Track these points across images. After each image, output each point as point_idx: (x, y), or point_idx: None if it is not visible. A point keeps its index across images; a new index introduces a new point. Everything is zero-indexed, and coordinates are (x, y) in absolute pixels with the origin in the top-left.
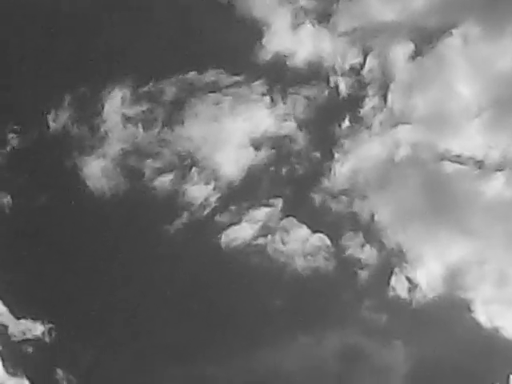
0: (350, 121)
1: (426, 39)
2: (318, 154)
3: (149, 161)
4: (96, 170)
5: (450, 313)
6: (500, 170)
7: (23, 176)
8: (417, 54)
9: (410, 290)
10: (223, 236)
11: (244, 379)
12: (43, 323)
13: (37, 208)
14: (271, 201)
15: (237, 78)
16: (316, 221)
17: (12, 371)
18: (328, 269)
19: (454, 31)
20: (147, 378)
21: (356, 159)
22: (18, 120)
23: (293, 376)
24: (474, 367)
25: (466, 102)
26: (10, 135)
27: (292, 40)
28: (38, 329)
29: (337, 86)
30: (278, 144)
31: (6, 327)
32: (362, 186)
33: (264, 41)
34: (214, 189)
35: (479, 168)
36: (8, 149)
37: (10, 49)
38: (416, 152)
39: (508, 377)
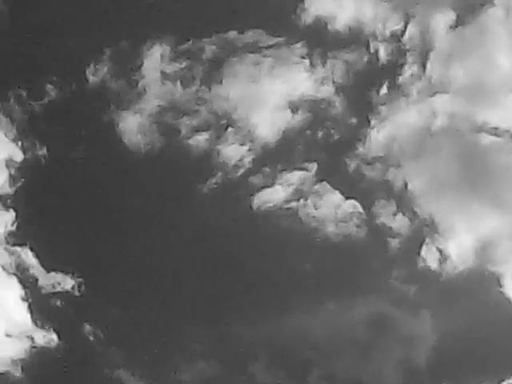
0: (388, 88)
1: (467, 8)
2: (354, 120)
3: (185, 118)
4: (132, 125)
5: (479, 286)
6: None
7: (60, 128)
8: (458, 23)
9: (440, 262)
10: (255, 198)
11: (271, 342)
12: (73, 277)
13: (72, 160)
14: (305, 165)
15: (277, 40)
16: (349, 187)
17: (40, 324)
18: (359, 236)
19: (496, 1)
20: (173, 335)
21: (392, 127)
22: (57, 72)
23: (320, 341)
24: (500, 341)
25: (506, 75)
26: (49, 86)
27: (333, 4)
28: (67, 282)
29: (376, 52)
30: (315, 108)
31: (36, 279)
32: (397, 154)
33: (306, 3)
34: (249, 150)
35: None
36: (46, 100)
37: (53, 2)
38: (453, 122)
39: None
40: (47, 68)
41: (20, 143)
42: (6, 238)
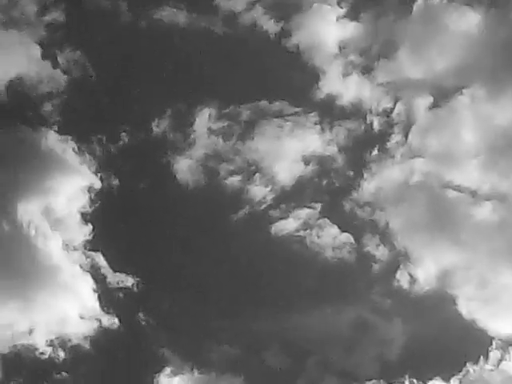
0: (379, 150)
1: (442, 95)
2: (351, 173)
3: (224, 164)
4: (184, 167)
5: (439, 303)
6: (489, 200)
7: (129, 165)
8: (434, 105)
9: (410, 283)
10: (274, 227)
11: (279, 334)
12: (133, 277)
13: (137, 190)
14: (312, 204)
15: (296, 109)
16: (345, 223)
17: (106, 310)
18: (350, 260)
19: (464, 91)
20: (206, 324)
21: (380, 180)
22: (130, 123)
23: (316, 336)
24: (454, 347)
25: (468, 146)
26: (123, 134)
27: (341, 85)
28: (129, 281)
29: (371, 123)
30: (322, 162)
31: (105, 277)
32: (382, 200)
33: (320, 83)
34: (271, 190)
35: (473, 196)
36: (120, 144)
37: (131, 68)
38: (426, 179)
39: (479, 357)
40: (122, 119)
41: (99, 175)
42: (84, 244)
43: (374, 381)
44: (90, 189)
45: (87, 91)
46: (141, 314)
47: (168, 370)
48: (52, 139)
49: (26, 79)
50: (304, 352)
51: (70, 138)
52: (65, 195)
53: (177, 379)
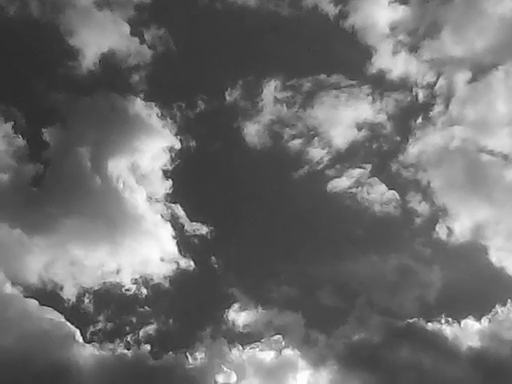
0: (422, 119)
1: (480, 71)
2: (398, 138)
3: (287, 129)
4: (252, 131)
5: (472, 253)
6: None
7: (205, 129)
8: (473, 80)
9: (448, 235)
10: (329, 184)
11: (332, 277)
12: (208, 226)
13: (212, 151)
14: (363, 165)
15: (351, 82)
16: (391, 182)
17: (183, 254)
18: (395, 214)
19: (499, 67)
20: (269, 267)
21: (423, 144)
22: (205, 92)
23: (365, 279)
24: (485, 291)
25: (502, 116)
26: (200, 101)
27: (391, 61)
28: (203, 229)
29: (416, 95)
30: (373, 128)
31: (182, 226)
32: (425, 162)
33: (372, 60)
34: (327, 152)
35: (505, 160)
36: (197, 110)
37: (208, 44)
38: (464, 145)
39: (507, 300)
40: (199, 89)
41: (179, 137)
42: (165, 197)
43: (414, 319)
44: (170, 149)
45: (170, 64)
46: (213, 258)
47: (236, 306)
48: (138, 105)
49: (117, 53)
50: (353, 293)
51: (154, 104)
52: (149, 154)
53: (243, 314)
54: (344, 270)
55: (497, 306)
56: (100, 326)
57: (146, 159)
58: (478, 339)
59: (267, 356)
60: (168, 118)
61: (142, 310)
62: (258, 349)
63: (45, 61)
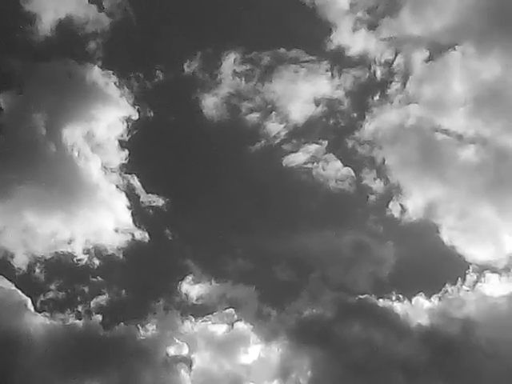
0: (380, 96)
1: (437, 50)
2: (355, 114)
3: (245, 102)
4: (210, 104)
5: (424, 231)
6: (472, 143)
7: (163, 99)
8: (430, 59)
9: (401, 212)
10: (285, 159)
11: (286, 251)
12: (163, 198)
13: (170, 121)
14: (320, 141)
15: (311, 57)
16: (347, 158)
17: (138, 225)
18: (350, 191)
19: (457, 47)
20: (223, 240)
21: (379, 122)
22: (164, 62)
23: (319, 254)
24: (436, 269)
25: (457, 96)
26: (158, 71)
27: (350, 38)
28: (159, 201)
29: (374, 72)
30: (331, 104)
31: (138, 197)
32: (380, 140)
33: (332, 36)
34: (284, 127)
35: (459, 140)
36: (156, 80)
37: (167, 14)
38: (419, 123)
39: (457, 279)
40: (158, 59)
41: (136, 107)
42: (120, 167)
43: (366, 295)
44: (127, 119)
45: (128, 33)
46: (168, 230)
47: (189, 278)
48: (96, 73)
49: (75, 19)
50: (307, 268)
51: (111, 73)
52: (105, 123)
53: (197, 286)
54: (299, 245)
55: (447, 284)
56: (51, 295)
57: (102, 128)
58: (428, 317)
59: (219, 329)
60: (125, 88)
61: (94, 280)
62: (210, 322)
63: (0, 26)
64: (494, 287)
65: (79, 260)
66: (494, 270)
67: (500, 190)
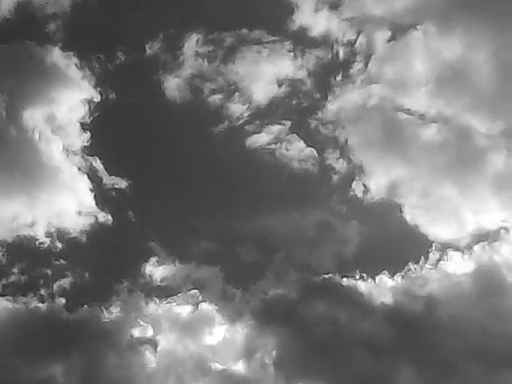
0: (342, 76)
1: (399, 30)
2: (317, 95)
3: (208, 83)
4: (173, 85)
5: (387, 210)
6: (434, 122)
7: (125, 81)
8: (392, 39)
9: (364, 192)
10: (248, 139)
11: (251, 232)
12: (126, 180)
13: (132, 103)
14: (283, 121)
15: (274, 38)
16: (310, 139)
17: (101, 208)
18: (313, 171)
19: (418, 27)
20: (188, 222)
21: (342, 102)
22: (126, 43)
23: (283, 235)
24: (399, 248)
25: (419, 75)
26: (120, 53)
27: (312, 18)
28: (122, 183)
29: (337, 52)
30: (293, 84)
31: (101, 179)
32: (343, 120)
33: (294, 16)
34: (247, 108)
35: (421, 119)
36: (117, 62)
37: None
38: (381, 103)
39: (420, 257)
40: (119, 40)
41: (98, 89)
42: (82, 150)
43: (330, 275)
44: (89, 101)
45: (89, 14)
46: (131, 212)
47: (153, 260)
48: (56, 55)
49: (34, 1)
50: (272, 248)
51: (72, 54)
52: (66, 105)
53: (161, 268)
54: (263, 226)
55: (410, 263)
56: (13, 278)
57: (63, 110)
58: (392, 295)
59: (184, 310)
60: (87, 69)
61: (57, 263)
62: (174, 303)
63: None
64: (456, 265)
65: (41, 243)
66: (456, 249)
67: (462, 169)
